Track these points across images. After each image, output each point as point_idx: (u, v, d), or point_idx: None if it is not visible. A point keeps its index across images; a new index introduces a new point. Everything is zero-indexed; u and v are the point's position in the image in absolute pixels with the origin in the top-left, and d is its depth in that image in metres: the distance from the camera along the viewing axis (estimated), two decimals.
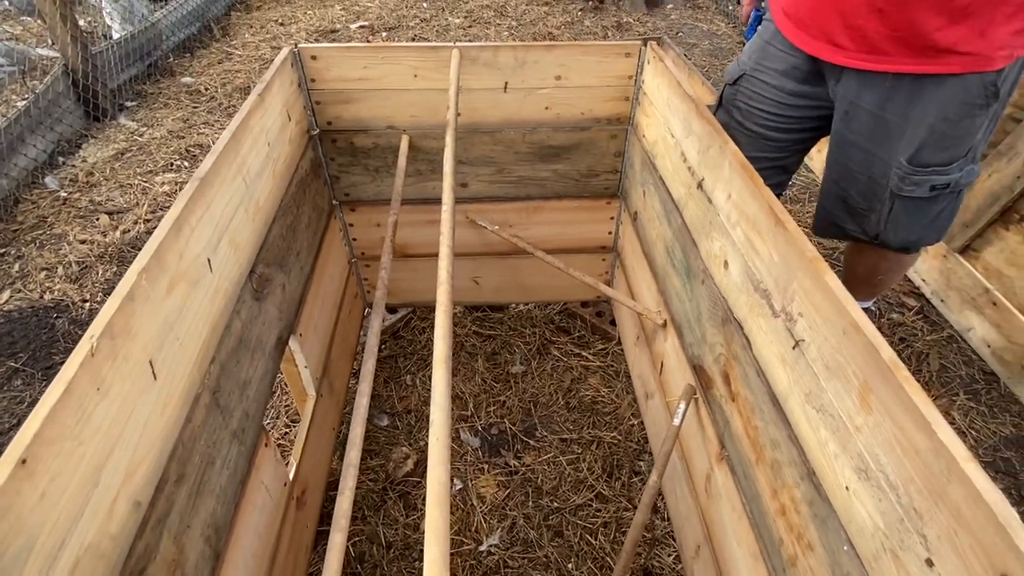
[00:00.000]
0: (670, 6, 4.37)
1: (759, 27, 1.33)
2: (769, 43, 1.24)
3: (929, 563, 0.53)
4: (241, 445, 0.94)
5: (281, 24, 4.14)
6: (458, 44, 1.30)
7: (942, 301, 1.88)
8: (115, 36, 3.25)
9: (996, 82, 1.01)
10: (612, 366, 1.71)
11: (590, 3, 4.22)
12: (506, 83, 1.36)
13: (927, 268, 1.93)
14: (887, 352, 0.59)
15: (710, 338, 1.02)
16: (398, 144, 1.45)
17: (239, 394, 0.94)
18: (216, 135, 2.86)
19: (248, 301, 0.99)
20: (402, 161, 1.36)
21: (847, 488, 0.64)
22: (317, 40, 3.88)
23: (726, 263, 0.95)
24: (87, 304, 1.95)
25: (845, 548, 0.64)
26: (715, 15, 4.24)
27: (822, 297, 0.68)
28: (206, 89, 3.31)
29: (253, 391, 0.99)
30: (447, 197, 0.88)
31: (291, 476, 1.16)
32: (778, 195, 1.39)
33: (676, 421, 1.04)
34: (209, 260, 0.86)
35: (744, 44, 1.43)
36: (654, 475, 0.97)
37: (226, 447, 0.88)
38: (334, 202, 1.56)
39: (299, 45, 1.30)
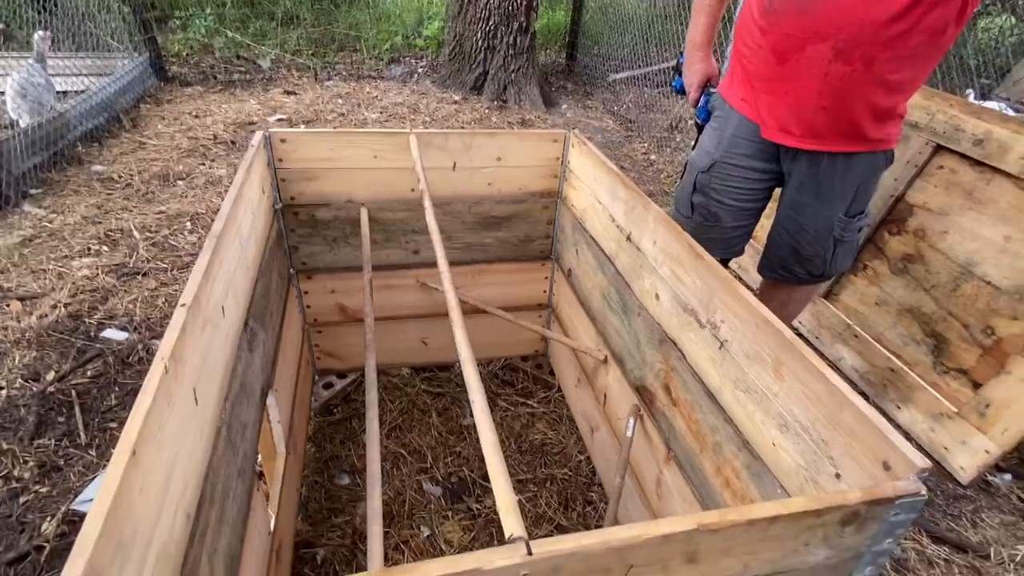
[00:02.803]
0: (565, 106, 4.97)
1: (712, 121, 1.61)
2: (734, 135, 1.55)
3: (837, 476, 0.73)
4: (243, 484, 0.99)
5: (196, 116, 4.21)
6: (415, 131, 1.51)
7: (817, 338, 2.26)
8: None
9: (892, 156, 1.46)
10: (555, 411, 1.88)
11: (495, 103, 4.70)
12: (455, 163, 1.59)
13: (803, 312, 2.32)
14: (789, 334, 0.82)
15: (649, 359, 1.23)
16: (356, 216, 1.61)
17: (241, 434, 1.00)
18: (138, 220, 2.83)
19: (245, 349, 1.07)
20: (365, 230, 1.52)
21: (773, 444, 0.85)
22: (236, 131, 3.99)
23: (657, 295, 1.18)
24: (3, 391, 1.83)
25: (778, 491, 0.84)
26: (603, 114, 4.88)
27: (739, 305, 0.92)
28: (120, 177, 3.27)
29: (249, 434, 1.05)
30: (442, 263, 1.05)
31: (272, 526, 1.18)
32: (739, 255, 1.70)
33: (628, 433, 1.22)
34: (223, 307, 0.95)
35: (694, 122, 1.80)
36: (616, 477, 1.13)
37: (235, 482, 0.94)
38: (291, 271, 1.66)
39: (270, 130, 1.45)
